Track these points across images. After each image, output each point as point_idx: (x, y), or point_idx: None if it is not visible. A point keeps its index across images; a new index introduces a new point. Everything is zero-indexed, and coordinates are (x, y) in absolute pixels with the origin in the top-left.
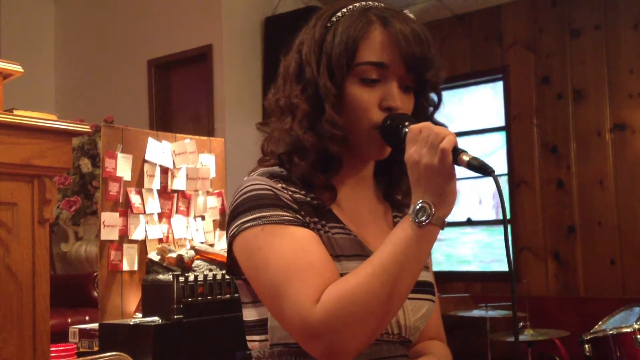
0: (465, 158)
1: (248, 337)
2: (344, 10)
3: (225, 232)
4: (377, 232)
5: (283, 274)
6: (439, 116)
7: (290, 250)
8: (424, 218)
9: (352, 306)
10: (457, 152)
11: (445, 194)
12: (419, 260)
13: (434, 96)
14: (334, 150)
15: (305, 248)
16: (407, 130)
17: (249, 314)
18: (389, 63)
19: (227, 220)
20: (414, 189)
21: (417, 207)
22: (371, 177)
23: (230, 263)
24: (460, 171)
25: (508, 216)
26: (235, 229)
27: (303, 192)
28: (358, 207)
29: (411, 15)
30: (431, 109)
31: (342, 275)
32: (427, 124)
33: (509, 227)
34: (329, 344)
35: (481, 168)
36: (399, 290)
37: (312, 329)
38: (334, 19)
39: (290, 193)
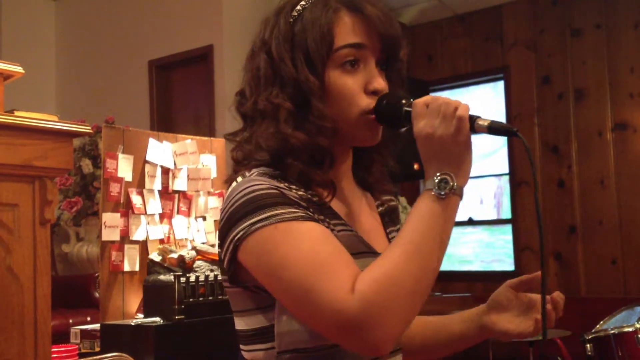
0: (484, 123)
1: (246, 347)
2: (303, 2)
3: (220, 239)
4: (369, 223)
5: (308, 269)
6: None
7: (311, 245)
8: (447, 190)
9: (391, 288)
10: (472, 119)
11: (464, 164)
12: (447, 233)
13: (401, 77)
14: (325, 143)
15: (326, 241)
16: (407, 107)
17: (251, 323)
18: (366, 43)
19: (225, 224)
20: (428, 162)
21: (437, 179)
22: (350, 167)
23: (235, 270)
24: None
25: (509, 215)
26: (241, 232)
27: (303, 190)
28: (349, 199)
29: None
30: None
31: None
32: (431, 96)
33: (510, 226)
34: (372, 332)
35: (504, 130)
36: (433, 266)
37: (351, 320)
38: (294, 13)
39: (294, 191)
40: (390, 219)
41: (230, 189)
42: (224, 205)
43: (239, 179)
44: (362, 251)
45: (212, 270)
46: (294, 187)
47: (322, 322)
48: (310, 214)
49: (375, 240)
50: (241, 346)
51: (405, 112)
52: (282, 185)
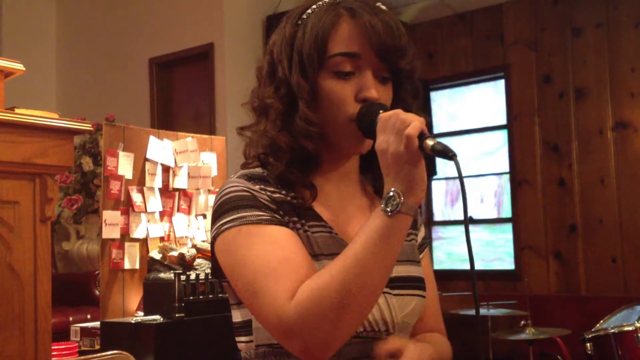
0: (430, 143)
1: (237, 339)
2: (314, 7)
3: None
4: (359, 227)
5: (259, 272)
6: (442, 113)
7: (267, 249)
8: (393, 207)
9: (325, 300)
10: (422, 137)
11: (413, 182)
12: (391, 250)
13: (412, 86)
14: (309, 147)
15: (281, 245)
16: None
17: (236, 315)
18: (361, 53)
19: (211, 223)
20: (385, 178)
21: (387, 196)
22: (356, 172)
23: (214, 265)
24: (462, 171)
25: (509, 214)
26: (215, 231)
27: (283, 192)
28: (343, 203)
29: (384, 7)
30: (410, 99)
31: None
32: (397, 111)
33: (511, 225)
34: (306, 340)
35: (443, 152)
36: (373, 282)
37: (287, 326)
38: (304, 16)
39: (268, 193)
40: None
41: (219, 190)
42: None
43: (226, 181)
44: (336, 252)
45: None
46: (270, 189)
47: (266, 324)
48: (277, 217)
49: None
50: (235, 337)
51: (375, 124)
52: (256, 187)
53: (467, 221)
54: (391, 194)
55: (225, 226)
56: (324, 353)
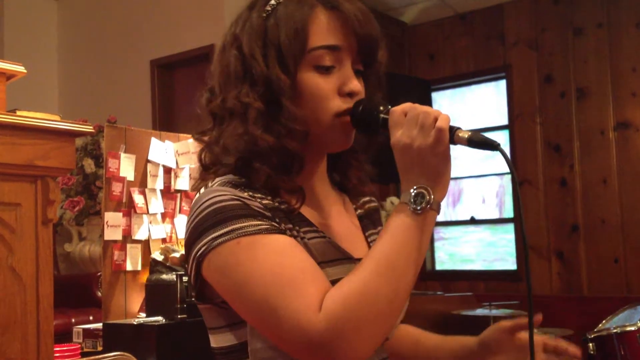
0: (464, 135)
1: None
2: None
3: (186, 253)
4: (343, 227)
5: (273, 286)
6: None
7: (276, 260)
8: (423, 205)
9: (360, 307)
10: (452, 130)
11: (441, 177)
12: (421, 249)
13: (376, 77)
14: (294, 147)
15: (290, 255)
16: (384, 115)
17: (223, 340)
18: (342, 45)
19: (189, 239)
20: (405, 174)
21: (414, 193)
22: (325, 170)
23: (201, 287)
24: (463, 171)
25: (511, 214)
26: (203, 248)
27: (270, 198)
28: (323, 204)
29: None
30: (376, 90)
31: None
32: (410, 104)
33: (520, 223)
34: (340, 352)
35: (485, 143)
36: (407, 283)
37: (318, 340)
38: (268, 7)
39: (259, 200)
40: (370, 221)
41: (194, 200)
42: (188, 218)
43: (202, 189)
44: (337, 258)
45: None
46: (258, 195)
47: (289, 342)
48: (276, 224)
49: (352, 245)
50: None
51: (382, 120)
52: (245, 194)
53: (521, 213)
54: (418, 190)
55: (219, 240)
56: None
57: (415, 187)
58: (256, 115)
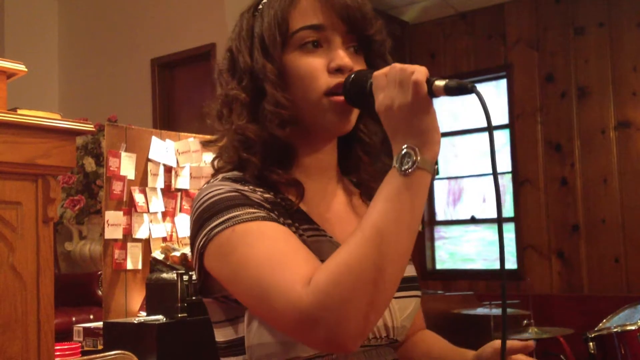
0: (440, 83)
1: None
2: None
3: (191, 249)
4: (346, 224)
5: (265, 267)
6: (444, 112)
7: (269, 244)
8: (409, 165)
9: (347, 278)
10: (430, 82)
11: (427, 134)
12: (413, 214)
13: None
14: (281, 134)
15: (284, 240)
16: (371, 81)
17: (223, 334)
18: (326, 24)
19: (191, 234)
20: (393, 138)
21: (401, 154)
22: (335, 168)
23: (203, 280)
24: (463, 170)
25: (512, 214)
26: (203, 240)
27: (272, 194)
28: (327, 201)
29: None
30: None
31: None
32: (393, 65)
33: (508, 225)
34: (330, 326)
35: (460, 88)
36: (398, 251)
37: (306, 314)
38: (260, 6)
39: (259, 193)
40: None
41: (194, 197)
42: (190, 215)
43: (204, 185)
44: None
45: None
46: (259, 190)
47: (281, 320)
48: (274, 216)
49: None
50: (220, 358)
51: (369, 87)
52: (245, 188)
53: (497, 175)
54: (405, 150)
55: (216, 230)
56: (352, 340)
57: (403, 148)
58: (241, 108)
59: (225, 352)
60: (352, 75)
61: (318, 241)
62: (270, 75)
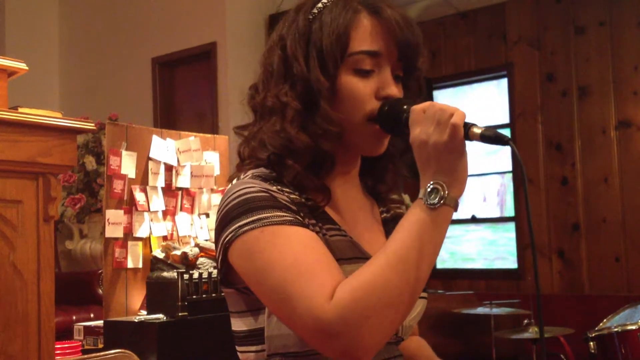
0: (477, 131)
1: (240, 348)
2: (324, 0)
3: (215, 240)
4: (368, 230)
5: (290, 273)
6: None
7: (295, 250)
8: (437, 200)
9: (368, 298)
10: (467, 126)
11: (457, 173)
12: (435, 245)
13: (417, 84)
14: (328, 148)
15: (310, 245)
16: (407, 114)
17: (243, 324)
18: (383, 51)
19: (218, 226)
20: (423, 171)
21: (429, 188)
22: (357, 174)
23: (226, 272)
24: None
25: (512, 213)
26: (231, 235)
27: (297, 194)
28: (350, 205)
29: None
30: (416, 97)
31: None
32: (430, 102)
33: (512, 222)
34: (347, 341)
35: (496, 139)
36: (418, 278)
37: (327, 327)
38: (315, 10)
39: (286, 194)
40: (395, 226)
41: (226, 190)
42: (218, 207)
43: (234, 181)
44: (355, 256)
45: (215, 267)
46: (287, 190)
47: (301, 327)
48: (300, 218)
49: (373, 248)
50: (236, 347)
51: (405, 119)
52: (273, 188)
53: (529, 211)
54: (434, 186)
55: (245, 228)
56: (365, 354)
57: (431, 183)
58: (293, 115)
59: (243, 342)
60: (387, 105)
61: (339, 240)
62: (325, 91)
